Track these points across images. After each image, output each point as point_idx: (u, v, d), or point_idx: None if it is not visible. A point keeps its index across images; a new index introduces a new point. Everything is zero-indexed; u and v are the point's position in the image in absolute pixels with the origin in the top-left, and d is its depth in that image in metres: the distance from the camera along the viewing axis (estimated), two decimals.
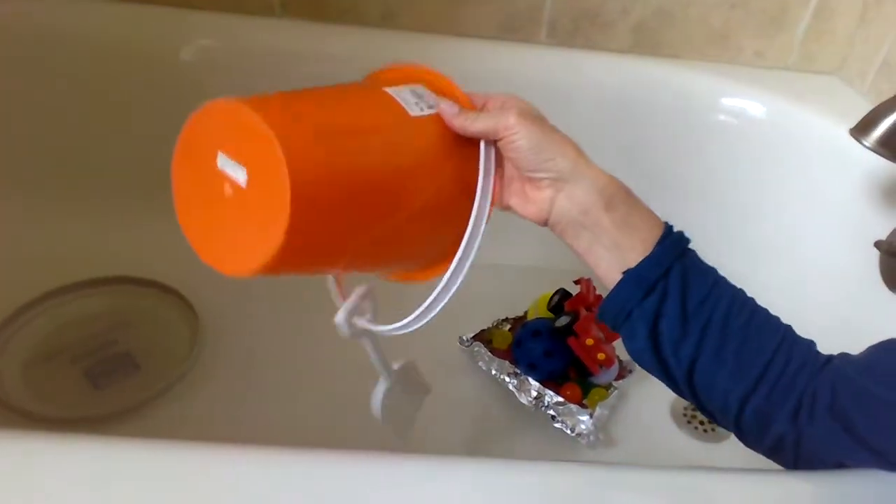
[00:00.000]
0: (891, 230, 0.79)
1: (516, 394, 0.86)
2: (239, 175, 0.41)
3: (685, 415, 0.90)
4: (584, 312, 0.86)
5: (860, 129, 0.71)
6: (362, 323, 0.56)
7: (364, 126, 0.48)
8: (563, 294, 0.92)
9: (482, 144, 0.52)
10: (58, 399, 0.81)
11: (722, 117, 0.97)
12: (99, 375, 0.84)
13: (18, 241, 1.00)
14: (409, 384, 0.68)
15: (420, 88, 0.54)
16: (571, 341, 0.83)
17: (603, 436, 0.84)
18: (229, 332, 0.92)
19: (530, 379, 0.85)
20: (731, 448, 0.84)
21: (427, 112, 0.51)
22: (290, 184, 0.38)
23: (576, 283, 0.94)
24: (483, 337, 0.93)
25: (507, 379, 0.87)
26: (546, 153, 0.52)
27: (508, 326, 0.96)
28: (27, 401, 0.80)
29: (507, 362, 0.87)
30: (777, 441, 0.49)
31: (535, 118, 0.54)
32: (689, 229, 1.01)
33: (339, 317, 0.55)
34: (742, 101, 0.97)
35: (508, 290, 1.07)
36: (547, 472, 0.44)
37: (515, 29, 1.04)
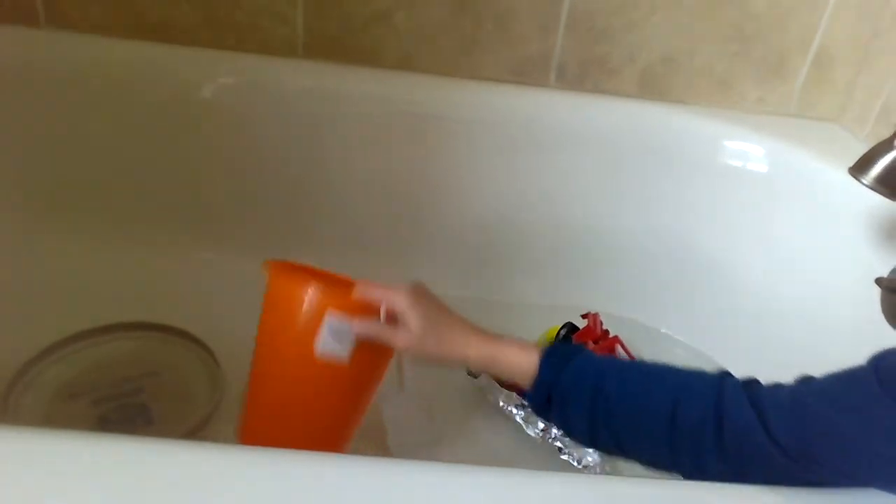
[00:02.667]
0: (891, 268, 0.81)
1: (523, 426, 0.88)
2: None
3: None
4: (591, 345, 0.89)
5: (858, 168, 0.74)
6: None
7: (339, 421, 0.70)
8: (570, 327, 0.95)
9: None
10: None
11: (724, 160, 1.01)
12: (112, 424, 0.84)
13: (58, 278, 1.02)
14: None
15: (335, 320, 0.64)
16: None
17: (609, 467, 0.85)
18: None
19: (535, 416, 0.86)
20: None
21: (349, 348, 0.64)
22: None
23: (583, 317, 0.96)
24: None
25: (515, 411, 0.88)
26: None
27: None
28: None
29: (514, 394, 0.89)
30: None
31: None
32: (688, 266, 1.05)
33: None
34: (744, 145, 1.01)
35: (516, 325, 1.07)
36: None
37: (526, 73, 1.09)
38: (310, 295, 0.65)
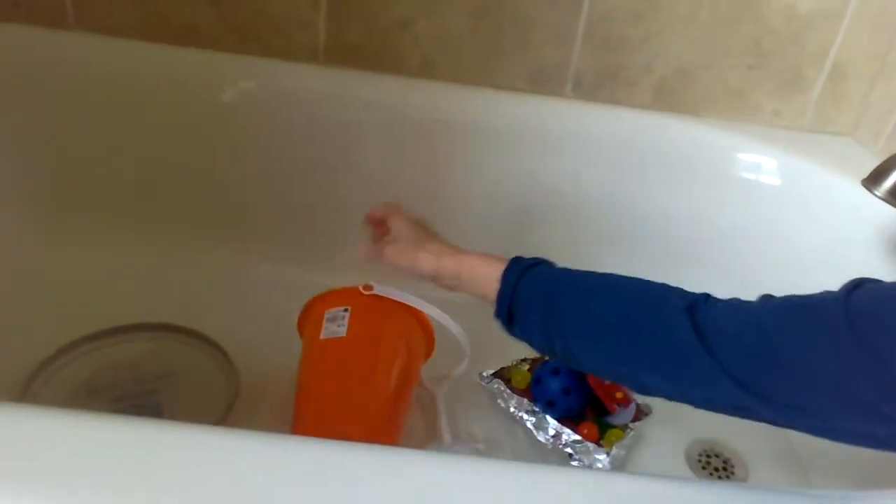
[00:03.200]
0: None
1: (534, 431, 0.89)
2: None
3: (700, 460, 0.92)
4: None
5: (872, 180, 0.75)
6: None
7: (354, 382, 0.78)
8: None
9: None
10: None
11: (738, 172, 1.03)
12: None
13: (77, 277, 1.04)
14: None
15: (329, 313, 0.82)
16: (590, 379, 0.86)
17: None
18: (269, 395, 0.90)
19: (548, 416, 0.88)
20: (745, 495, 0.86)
21: (346, 322, 0.80)
22: None
23: None
24: (502, 375, 0.96)
25: (525, 416, 0.90)
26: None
27: (527, 366, 0.99)
28: None
29: (525, 400, 0.90)
30: None
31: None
32: (700, 276, 1.06)
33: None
34: (757, 158, 1.02)
35: None
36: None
37: (543, 82, 1.10)
38: (314, 309, 0.84)
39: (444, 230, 1.16)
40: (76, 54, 1.05)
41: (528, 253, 1.16)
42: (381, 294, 0.83)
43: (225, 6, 1.05)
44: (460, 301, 0.88)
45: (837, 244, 0.93)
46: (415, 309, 0.84)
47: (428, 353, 0.91)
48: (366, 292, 0.83)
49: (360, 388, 0.78)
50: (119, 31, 1.06)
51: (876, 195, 0.75)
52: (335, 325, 0.79)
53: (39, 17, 1.05)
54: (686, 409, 0.96)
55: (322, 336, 0.79)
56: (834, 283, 0.93)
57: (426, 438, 0.87)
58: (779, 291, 1.00)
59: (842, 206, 0.93)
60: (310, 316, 0.85)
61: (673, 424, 0.96)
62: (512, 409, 0.91)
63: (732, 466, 0.92)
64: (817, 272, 0.95)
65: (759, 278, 1.02)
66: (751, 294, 1.04)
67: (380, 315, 0.83)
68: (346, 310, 0.81)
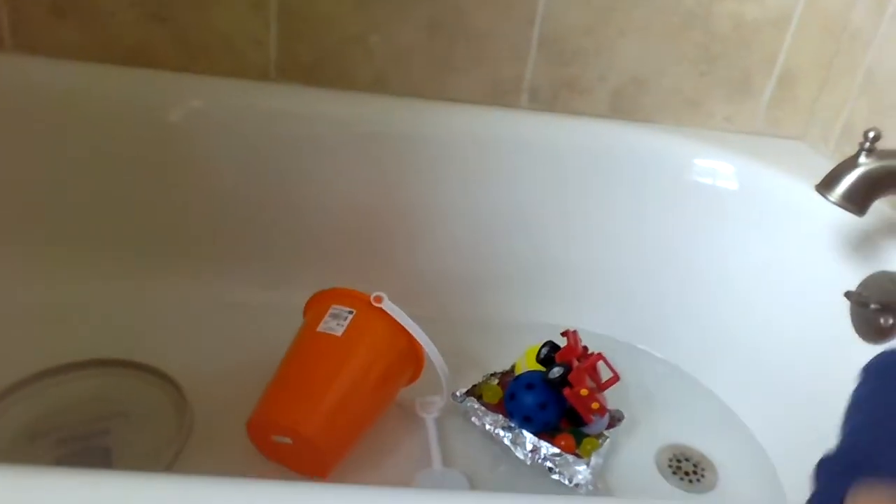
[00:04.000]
0: (859, 282, 0.85)
1: (511, 448, 0.88)
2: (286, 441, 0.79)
3: (670, 465, 0.93)
4: (575, 363, 0.90)
5: (825, 185, 0.78)
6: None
7: (336, 380, 0.82)
8: (551, 346, 0.96)
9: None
10: None
11: (695, 178, 1.05)
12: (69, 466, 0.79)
13: (21, 310, 1.00)
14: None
15: (334, 309, 0.86)
16: (567, 392, 0.86)
17: (601, 485, 0.86)
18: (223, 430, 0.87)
19: (525, 432, 0.87)
20: (718, 499, 0.88)
21: (346, 324, 0.84)
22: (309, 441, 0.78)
23: (562, 335, 0.97)
24: (474, 392, 0.95)
25: (502, 433, 0.89)
26: None
27: (497, 380, 0.98)
28: None
29: (500, 416, 0.90)
30: None
31: None
32: (663, 282, 1.08)
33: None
34: (713, 163, 1.04)
35: (493, 344, 1.10)
36: None
37: (499, 95, 1.11)
38: (324, 300, 0.88)
39: (402, 244, 1.16)
40: (13, 76, 1.01)
41: (488, 263, 1.18)
42: (386, 310, 0.86)
43: (174, 25, 1.02)
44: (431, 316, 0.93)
45: (796, 245, 0.95)
46: (410, 335, 0.87)
47: (412, 379, 0.92)
48: (374, 303, 0.86)
49: (331, 387, 0.81)
50: (62, 52, 1.02)
51: (829, 200, 0.77)
52: (335, 322, 0.84)
53: None
54: (653, 415, 0.99)
55: (319, 328, 0.84)
56: (794, 282, 0.96)
57: (415, 465, 0.86)
58: (740, 294, 1.04)
59: (798, 209, 0.95)
60: (317, 304, 0.89)
61: (642, 430, 0.97)
62: (487, 427, 0.90)
63: (703, 470, 0.93)
64: (779, 273, 0.99)
65: (720, 283, 1.05)
66: (711, 297, 1.07)
67: (378, 329, 0.86)
68: (350, 312, 0.85)
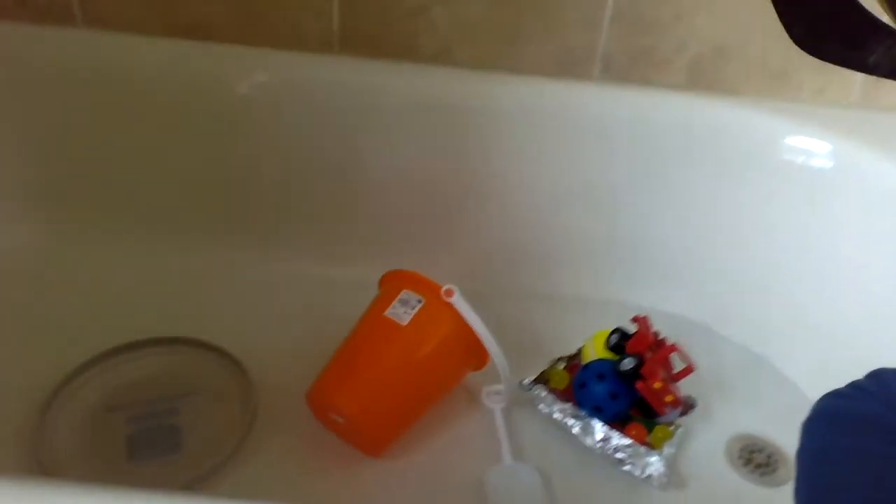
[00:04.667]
0: None
1: (581, 437, 0.86)
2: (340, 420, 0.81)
3: (741, 457, 0.89)
4: (648, 354, 0.86)
5: None
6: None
7: (391, 368, 0.84)
8: (621, 334, 0.92)
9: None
10: (91, 458, 0.81)
11: (783, 156, 0.98)
12: (141, 445, 0.83)
13: (104, 286, 1.03)
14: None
15: (405, 294, 0.85)
16: (640, 386, 0.83)
17: (675, 478, 0.84)
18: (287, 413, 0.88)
19: (594, 421, 0.85)
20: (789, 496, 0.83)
21: (413, 313, 0.83)
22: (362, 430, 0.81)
23: (632, 321, 0.94)
24: (541, 378, 0.93)
25: (571, 422, 0.87)
26: None
27: (563, 365, 0.96)
28: (67, 454, 0.81)
29: (570, 405, 0.87)
30: None
31: None
32: (742, 264, 1.02)
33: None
34: (804, 140, 0.97)
35: (559, 320, 1.09)
36: None
37: (569, 66, 1.06)
38: (396, 282, 0.87)
39: (467, 218, 1.14)
40: (84, 52, 1.02)
41: (555, 238, 1.15)
42: (455, 305, 0.84)
43: None
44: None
45: (892, 233, 0.89)
46: (476, 335, 0.85)
47: (477, 368, 0.91)
48: (445, 297, 0.84)
49: (386, 374, 0.82)
50: (127, 27, 1.02)
51: None
52: (402, 310, 0.83)
53: (46, 16, 1.01)
54: (726, 403, 0.95)
55: (386, 312, 0.84)
56: (884, 274, 0.89)
57: (488, 460, 0.85)
58: (826, 281, 0.98)
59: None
60: (390, 283, 0.89)
61: (714, 419, 0.94)
62: (556, 415, 0.88)
63: (776, 462, 0.89)
64: (868, 261, 0.92)
65: (804, 267, 0.99)
66: (803, 288, 1.01)
67: (443, 324, 0.85)
68: (420, 301, 0.84)
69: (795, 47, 1.07)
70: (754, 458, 0.89)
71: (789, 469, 0.88)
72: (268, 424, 0.86)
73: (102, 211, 1.10)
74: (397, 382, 0.82)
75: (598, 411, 0.85)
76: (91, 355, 0.91)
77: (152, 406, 0.87)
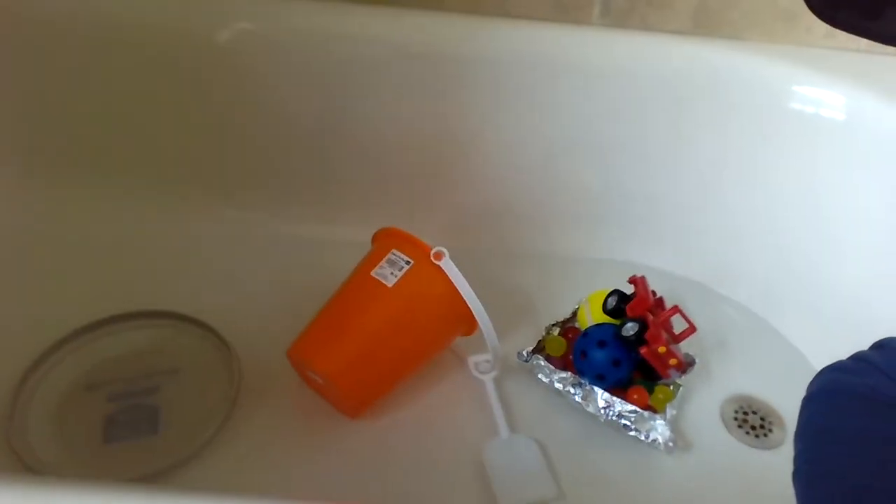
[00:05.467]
0: None
1: (584, 404, 0.84)
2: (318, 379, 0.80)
3: (736, 418, 0.89)
4: (650, 317, 0.84)
5: None
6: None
7: (372, 329, 0.81)
8: (620, 296, 0.90)
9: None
10: (67, 442, 0.78)
11: (794, 107, 0.93)
12: (119, 426, 0.79)
13: (81, 263, 0.99)
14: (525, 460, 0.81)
15: (393, 254, 0.83)
16: (644, 351, 0.81)
17: (681, 442, 0.83)
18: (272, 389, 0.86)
19: (596, 388, 0.83)
20: (786, 454, 0.83)
21: (400, 274, 0.81)
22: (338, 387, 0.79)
23: (630, 282, 0.91)
24: (538, 347, 0.91)
25: (572, 391, 0.85)
26: None
27: (558, 330, 0.94)
28: (43, 439, 0.78)
29: (570, 374, 0.85)
30: None
31: None
32: (744, 221, 1.00)
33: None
34: (817, 90, 0.92)
35: (554, 281, 1.07)
36: None
37: (567, 10, 1.00)
38: (387, 240, 0.85)
39: (463, 174, 1.10)
40: (59, 3, 0.95)
41: (552, 193, 1.11)
42: (443, 268, 0.81)
43: None
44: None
45: None
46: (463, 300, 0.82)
47: (466, 333, 0.89)
48: (434, 260, 0.81)
49: (367, 336, 0.80)
50: None
51: None
52: (389, 270, 0.82)
53: None
54: (723, 362, 0.94)
55: (373, 272, 0.82)
56: (891, 230, 0.86)
57: (482, 434, 0.83)
58: (830, 238, 0.95)
59: None
60: (382, 241, 0.87)
61: (711, 378, 0.93)
62: (557, 385, 0.86)
63: (771, 424, 0.88)
64: (876, 218, 0.89)
65: (810, 224, 0.96)
66: (796, 239, 0.98)
67: (431, 287, 0.83)
68: (408, 262, 0.82)
69: None
70: (749, 420, 0.88)
71: (784, 431, 0.87)
72: (254, 398, 0.84)
73: (76, 167, 1.05)
74: (378, 344, 0.80)
75: (600, 379, 0.83)
76: (69, 329, 0.87)
77: (133, 384, 0.84)
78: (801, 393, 0.91)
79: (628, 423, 0.82)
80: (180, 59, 0.98)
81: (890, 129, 0.86)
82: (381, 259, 0.83)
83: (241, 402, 0.83)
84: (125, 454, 0.77)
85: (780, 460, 0.82)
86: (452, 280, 0.81)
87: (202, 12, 0.96)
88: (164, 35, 0.97)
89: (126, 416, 0.80)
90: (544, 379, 0.87)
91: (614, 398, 0.82)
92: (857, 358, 0.53)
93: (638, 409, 0.82)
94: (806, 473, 0.48)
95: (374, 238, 0.89)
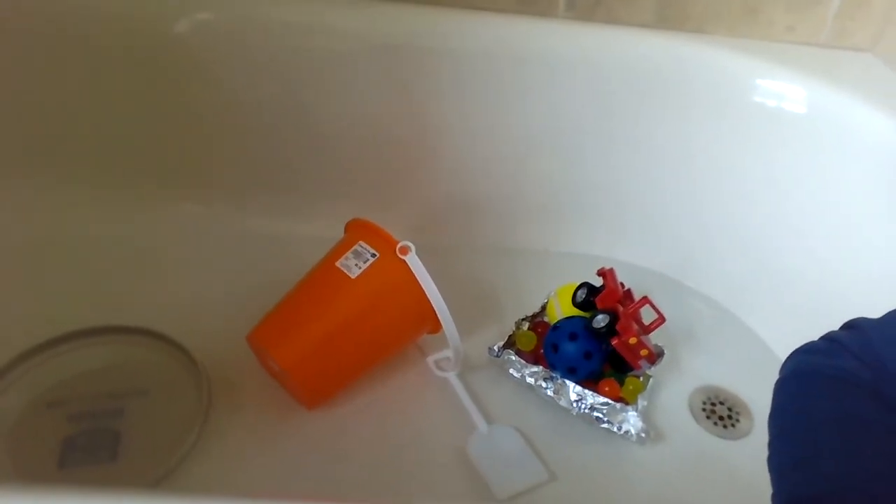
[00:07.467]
0: None
1: (556, 398, 0.84)
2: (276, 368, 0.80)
3: (704, 409, 0.90)
4: (619, 308, 0.85)
5: None
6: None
7: (331, 320, 0.80)
8: (589, 288, 0.90)
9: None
10: (24, 463, 0.74)
11: (757, 100, 0.95)
12: (76, 451, 0.75)
13: (33, 270, 0.96)
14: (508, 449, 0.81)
15: (360, 246, 0.83)
16: (615, 342, 0.81)
17: (653, 432, 0.85)
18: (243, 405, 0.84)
19: (568, 382, 0.83)
20: (753, 444, 0.85)
21: (364, 266, 0.81)
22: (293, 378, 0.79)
23: (598, 274, 0.92)
24: (509, 342, 0.91)
25: (544, 385, 0.85)
26: None
27: (528, 325, 0.94)
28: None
29: (541, 368, 0.86)
30: None
31: None
32: (709, 213, 1.01)
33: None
34: (779, 84, 0.94)
35: (522, 275, 1.07)
36: None
37: (532, 2, 1.00)
38: (355, 229, 0.86)
39: (429, 168, 1.09)
40: None
41: (517, 187, 1.12)
42: (409, 263, 0.81)
43: None
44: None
45: (860, 179, 0.87)
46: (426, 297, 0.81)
47: (432, 331, 0.88)
48: (399, 255, 0.81)
49: (324, 327, 0.79)
50: None
51: None
52: (354, 262, 0.81)
53: None
54: (690, 354, 0.95)
55: (338, 262, 0.82)
56: (852, 221, 0.89)
57: (463, 430, 0.83)
58: (794, 229, 0.97)
59: (869, 138, 0.86)
60: (352, 232, 0.87)
61: (680, 370, 0.94)
62: (528, 380, 0.86)
63: (738, 414, 0.89)
64: (837, 209, 0.92)
65: (773, 215, 0.99)
66: (761, 230, 1.01)
67: (394, 282, 0.82)
68: (374, 255, 0.82)
69: None
70: (717, 411, 0.90)
71: (751, 421, 0.89)
72: (221, 418, 0.81)
73: (20, 164, 1.01)
74: (337, 336, 0.80)
75: (571, 372, 0.83)
76: (29, 344, 0.83)
77: (96, 403, 0.80)
78: (768, 384, 0.93)
79: (601, 416, 0.82)
80: (135, 49, 0.95)
81: (849, 122, 0.88)
82: (348, 250, 0.82)
83: (208, 421, 0.81)
84: (79, 480, 0.73)
85: (748, 450, 0.84)
86: (417, 276, 0.81)
87: (160, 1, 0.94)
88: (118, 25, 0.94)
89: (85, 440, 0.76)
90: (515, 374, 0.87)
91: (586, 391, 0.83)
92: (829, 338, 0.54)
93: (610, 401, 0.82)
94: (779, 459, 0.49)
95: (347, 227, 0.89)
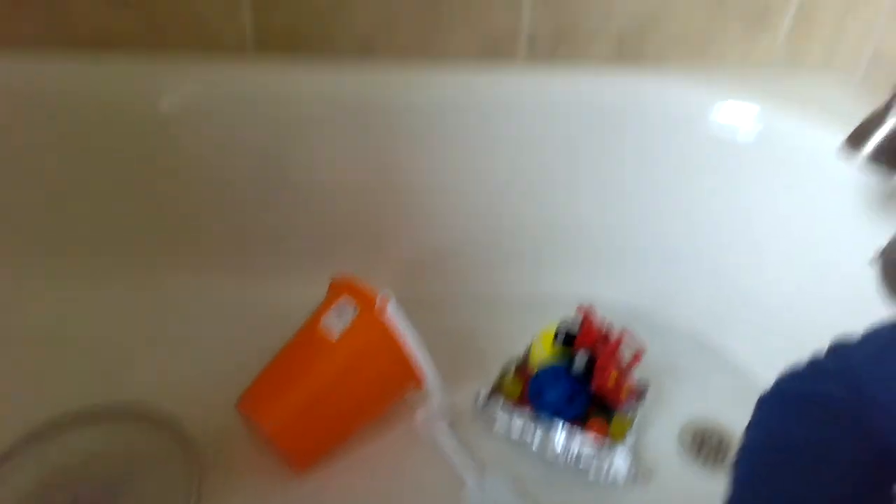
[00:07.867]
0: (888, 239, 0.80)
1: (541, 452, 0.86)
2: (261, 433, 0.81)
3: (693, 444, 0.90)
4: (599, 346, 0.88)
5: (852, 143, 0.72)
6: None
7: (312, 384, 0.82)
8: (566, 332, 0.92)
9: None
10: None
11: (711, 128, 0.98)
12: None
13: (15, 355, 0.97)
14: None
15: (341, 303, 0.84)
16: (595, 385, 0.84)
17: (641, 470, 0.85)
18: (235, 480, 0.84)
19: (553, 433, 0.85)
20: None
21: (344, 326, 0.82)
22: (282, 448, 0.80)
23: (578, 311, 0.93)
24: (495, 390, 0.92)
25: (528, 440, 0.86)
26: None
27: (513, 370, 0.95)
28: None
29: (528, 411, 0.87)
30: None
31: None
32: (680, 245, 1.03)
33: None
34: (731, 111, 0.97)
35: (504, 319, 1.08)
36: None
37: (495, 48, 1.03)
38: (335, 286, 0.87)
39: (406, 222, 1.10)
40: None
41: (495, 233, 1.11)
42: (388, 315, 0.82)
43: (139, 4, 0.95)
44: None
45: (821, 202, 0.89)
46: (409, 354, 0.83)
47: (418, 387, 0.89)
48: (378, 316, 0.82)
49: (309, 393, 0.81)
50: (22, 42, 0.96)
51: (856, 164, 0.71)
52: (337, 319, 0.83)
53: None
54: (674, 389, 0.95)
55: (320, 324, 0.83)
56: (818, 245, 0.90)
57: (456, 483, 0.84)
58: (761, 255, 0.97)
59: (826, 160, 0.88)
60: (335, 290, 0.87)
61: (663, 406, 0.94)
62: (513, 436, 0.88)
63: (727, 448, 0.90)
64: (802, 234, 0.92)
65: (741, 243, 1.00)
66: (731, 259, 1.01)
67: (375, 337, 0.83)
68: (355, 309, 0.83)
69: (717, 14, 1.03)
70: (707, 444, 0.90)
71: None
72: (216, 483, 0.82)
73: (8, 245, 1.04)
74: (320, 400, 0.81)
75: (557, 415, 0.85)
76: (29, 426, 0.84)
77: (90, 494, 0.80)
78: (750, 413, 0.95)
79: (587, 467, 0.84)
80: (120, 127, 0.98)
81: (802, 143, 0.91)
82: (330, 307, 0.84)
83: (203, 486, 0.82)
84: None
85: None
86: (397, 332, 0.82)
87: (127, 78, 0.97)
88: (101, 104, 0.97)
89: None
90: (501, 430, 0.89)
91: (572, 437, 0.84)
92: (812, 364, 0.56)
93: (596, 447, 0.83)
94: (745, 473, 0.51)
95: (330, 286, 0.90)
